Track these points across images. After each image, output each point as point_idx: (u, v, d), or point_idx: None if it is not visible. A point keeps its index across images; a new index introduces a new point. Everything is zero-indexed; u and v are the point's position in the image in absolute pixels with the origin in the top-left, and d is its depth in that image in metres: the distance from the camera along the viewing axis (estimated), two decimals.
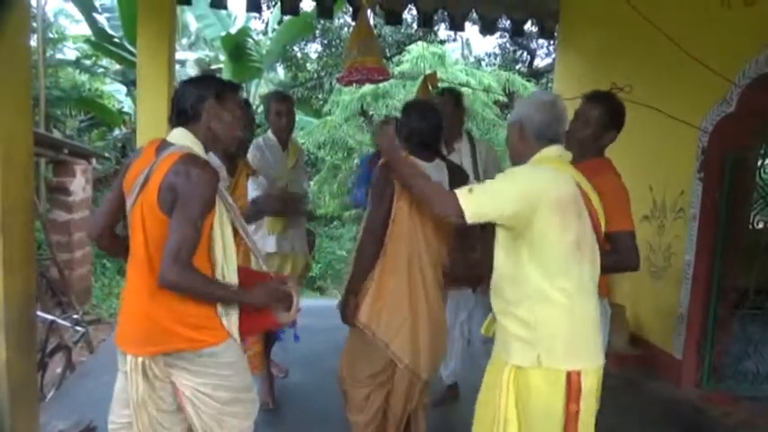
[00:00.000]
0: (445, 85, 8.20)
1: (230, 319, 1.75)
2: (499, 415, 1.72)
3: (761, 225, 3.56)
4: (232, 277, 1.75)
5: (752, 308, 3.52)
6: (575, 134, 2.16)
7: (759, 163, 3.46)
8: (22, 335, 2.19)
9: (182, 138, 1.69)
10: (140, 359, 1.68)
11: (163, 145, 1.69)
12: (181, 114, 1.71)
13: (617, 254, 2.02)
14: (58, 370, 3.74)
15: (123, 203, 1.73)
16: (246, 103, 2.85)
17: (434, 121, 2.35)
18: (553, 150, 1.77)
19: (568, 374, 1.64)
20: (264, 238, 3.18)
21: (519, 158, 1.83)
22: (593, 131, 2.17)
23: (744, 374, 3.56)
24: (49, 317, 4.00)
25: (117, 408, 1.78)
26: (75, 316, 4.44)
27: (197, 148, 1.69)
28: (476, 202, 1.66)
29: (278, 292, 1.81)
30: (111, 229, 1.84)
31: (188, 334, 1.67)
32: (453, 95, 3.27)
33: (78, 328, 4.25)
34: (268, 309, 1.82)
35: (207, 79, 1.78)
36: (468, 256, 2.66)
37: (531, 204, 1.64)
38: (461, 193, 1.67)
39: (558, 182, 1.69)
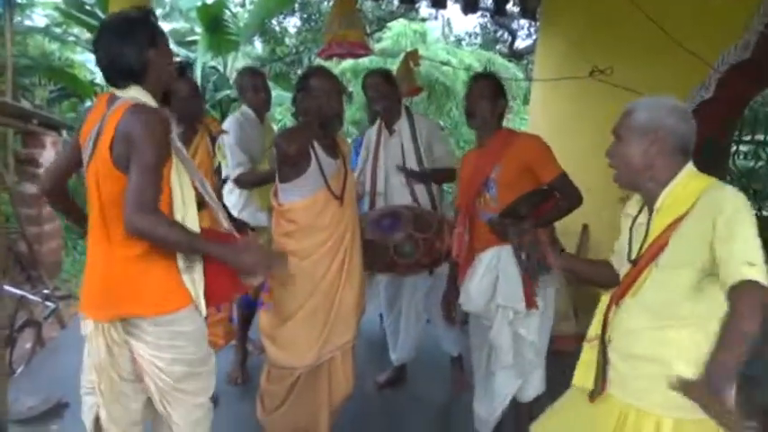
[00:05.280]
0: (432, 64, 8.18)
1: (194, 279, 1.67)
2: None
3: None
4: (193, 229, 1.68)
5: None
6: (476, 113, 2.47)
7: (734, 149, 3.53)
8: None
9: (130, 90, 1.62)
10: (99, 323, 1.64)
11: (112, 98, 1.63)
12: (126, 74, 1.62)
13: (563, 197, 2.38)
14: (28, 345, 3.67)
15: (78, 159, 1.68)
16: (185, 72, 2.80)
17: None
18: (692, 166, 1.54)
19: None
20: (254, 214, 3.15)
21: (645, 178, 1.55)
22: (488, 104, 2.46)
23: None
24: (19, 292, 3.91)
25: (85, 373, 1.76)
26: (46, 291, 4.33)
27: (147, 99, 1.63)
28: (764, 266, 1.34)
29: (266, 256, 1.74)
30: (62, 184, 1.80)
31: (145, 298, 1.62)
32: (381, 74, 3.15)
33: (48, 303, 4.16)
34: (234, 271, 1.74)
35: (134, 28, 1.63)
36: (433, 243, 2.69)
37: None
38: (748, 274, 1.33)
39: None
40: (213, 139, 2.90)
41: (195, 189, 1.78)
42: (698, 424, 1.44)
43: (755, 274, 1.32)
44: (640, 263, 1.56)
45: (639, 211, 1.65)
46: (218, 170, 3.07)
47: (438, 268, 2.92)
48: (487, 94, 2.46)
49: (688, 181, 1.51)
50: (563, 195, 2.40)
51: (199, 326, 1.74)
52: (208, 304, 1.75)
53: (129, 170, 1.53)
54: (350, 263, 2.39)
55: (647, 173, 1.54)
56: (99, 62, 1.66)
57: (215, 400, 3.02)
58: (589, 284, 1.93)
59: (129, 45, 1.60)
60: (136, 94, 1.62)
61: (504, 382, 2.51)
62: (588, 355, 1.68)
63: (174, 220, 1.61)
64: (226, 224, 1.93)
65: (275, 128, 3.77)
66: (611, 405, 1.58)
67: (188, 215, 1.68)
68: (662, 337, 1.49)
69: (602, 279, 1.79)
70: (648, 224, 1.57)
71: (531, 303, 2.35)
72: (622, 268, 1.67)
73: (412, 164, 3.09)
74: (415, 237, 2.67)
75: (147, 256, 1.60)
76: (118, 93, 1.63)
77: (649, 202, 1.59)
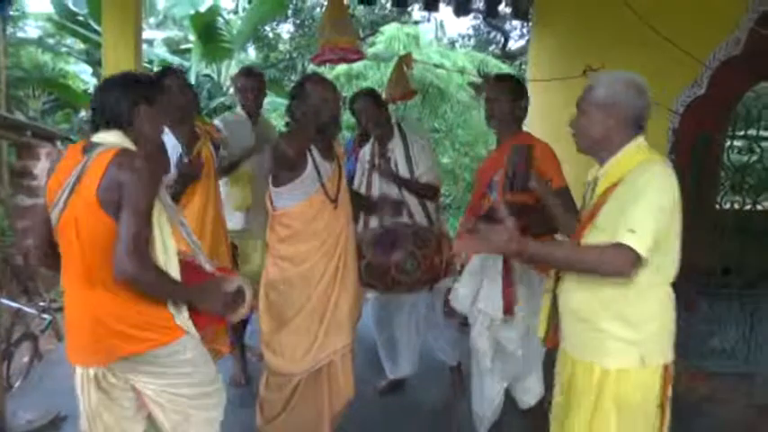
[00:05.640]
0: (426, 67, 8.19)
1: (183, 316, 1.70)
2: (595, 419, 1.67)
3: (727, 206, 3.64)
4: (174, 276, 1.71)
5: (717, 286, 3.61)
6: (495, 114, 2.45)
7: (727, 144, 3.53)
8: None
9: (112, 137, 1.63)
10: (92, 371, 1.64)
11: (90, 145, 1.62)
12: (111, 119, 1.65)
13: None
14: (25, 359, 3.64)
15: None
16: (188, 84, 2.80)
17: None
18: (643, 140, 1.69)
19: (665, 367, 1.68)
20: (232, 214, 3.13)
21: (601, 146, 1.69)
22: (508, 106, 2.42)
23: (709, 351, 3.65)
24: (15, 304, 3.89)
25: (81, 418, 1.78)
26: (42, 303, 4.31)
27: (130, 146, 1.65)
28: (645, 238, 1.52)
29: (228, 298, 1.77)
30: (54, 244, 1.74)
31: (141, 335, 1.62)
32: (370, 97, 3.11)
33: (45, 315, 4.14)
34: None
35: (135, 82, 1.71)
36: (433, 259, 2.68)
37: (673, 209, 1.60)
38: (626, 239, 1.51)
39: (675, 176, 1.63)
40: (216, 147, 2.90)
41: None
42: (621, 372, 1.64)
43: (632, 240, 1.50)
44: (583, 223, 1.71)
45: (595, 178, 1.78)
46: None
47: (437, 284, 2.93)
48: (507, 95, 2.43)
49: (634, 152, 1.65)
50: (567, 207, 2.33)
51: (200, 351, 1.78)
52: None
53: (121, 216, 1.53)
54: (344, 267, 2.38)
55: (604, 142, 1.68)
56: (92, 106, 1.70)
57: None
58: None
59: (124, 94, 1.66)
60: (117, 139, 1.63)
61: (489, 384, 2.54)
62: (544, 304, 1.87)
63: (161, 268, 1.62)
64: (208, 267, 1.94)
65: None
66: (566, 357, 1.79)
67: (169, 262, 1.69)
68: (589, 296, 1.66)
69: (565, 227, 1.94)
70: (594, 189, 1.71)
71: (508, 309, 2.34)
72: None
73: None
74: (416, 253, 2.65)
75: (133, 296, 1.60)
76: (96, 139, 1.64)
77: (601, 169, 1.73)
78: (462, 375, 3.32)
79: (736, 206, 3.59)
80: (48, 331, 4.09)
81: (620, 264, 1.53)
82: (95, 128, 1.68)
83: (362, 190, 3.16)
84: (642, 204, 1.53)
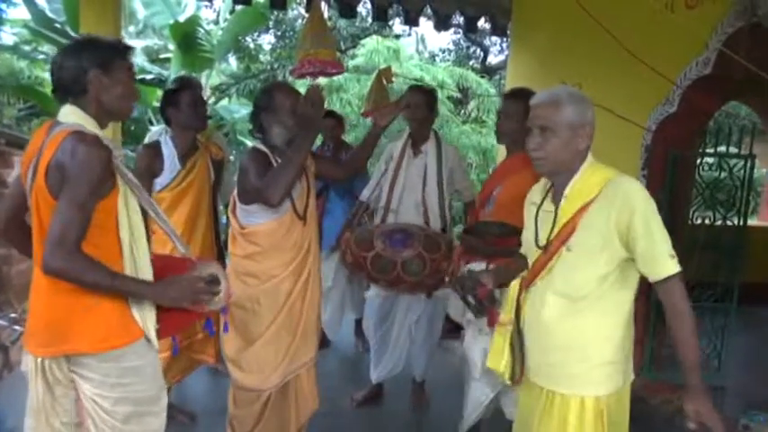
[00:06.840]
0: (406, 80, 8.24)
1: (144, 313, 1.58)
2: None
3: (699, 221, 3.72)
4: (143, 261, 1.61)
5: (690, 300, 3.67)
6: (504, 130, 2.44)
7: (698, 161, 3.61)
8: None
9: (71, 114, 1.56)
10: (39, 359, 1.55)
11: (53, 124, 1.56)
12: (64, 89, 1.56)
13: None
14: None
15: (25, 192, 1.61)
16: (201, 101, 2.78)
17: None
18: (593, 158, 1.66)
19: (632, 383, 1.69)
20: None
21: (566, 167, 1.63)
22: (518, 125, 2.31)
23: (681, 364, 3.70)
24: None
25: (26, 417, 1.66)
26: (13, 315, 4.21)
27: (88, 124, 1.56)
28: (676, 258, 1.54)
29: (196, 285, 1.60)
30: (17, 220, 1.70)
31: (90, 333, 1.52)
32: (426, 95, 3.07)
33: (16, 327, 4.05)
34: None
35: (88, 46, 1.57)
36: (440, 265, 2.69)
37: None
38: (673, 266, 1.54)
39: None
40: (216, 163, 2.87)
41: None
42: (610, 397, 1.60)
43: (676, 265, 1.53)
44: (551, 248, 1.63)
45: (543, 199, 1.74)
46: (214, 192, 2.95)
47: (437, 292, 2.95)
48: (518, 113, 2.37)
49: (592, 170, 1.61)
50: None
51: (149, 360, 1.64)
52: (161, 335, 1.66)
53: (58, 201, 1.46)
54: (313, 282, 2.37)
55: (571, 163, 1.62)
56: (50, 76, 1.60)
57: (193, 417, 2.99)
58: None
59: (73, 60, 1.54)
60: (77, 118, 1.55)
61: (475, 390, 2.57)
62: (500, 338, 1.76)
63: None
64: (182, 248, 1.83)
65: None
66: (538, 389, 1.70)
67: (137, 246, 1.60)
68: (579, 322, 1.60)
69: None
70: (556, 211, 1.64)
71: (492, 321, 2.36)
72: (531, 255, 1.74)
73: (432, 186, 3.09)
74: (424, 256, 2.65)
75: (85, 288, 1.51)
76: (60, 118, 1.57)
77: (559, 190, 1.67)
78: (424, 391, 3.36)
79: (708, 222, 3.66)
80: (18, 342, 3.99)
81: (685, 291, 1.57)
82: (54, 94, 1.60)
83: (385, 187, 3.14)
84: (659, 229, 1.53)
